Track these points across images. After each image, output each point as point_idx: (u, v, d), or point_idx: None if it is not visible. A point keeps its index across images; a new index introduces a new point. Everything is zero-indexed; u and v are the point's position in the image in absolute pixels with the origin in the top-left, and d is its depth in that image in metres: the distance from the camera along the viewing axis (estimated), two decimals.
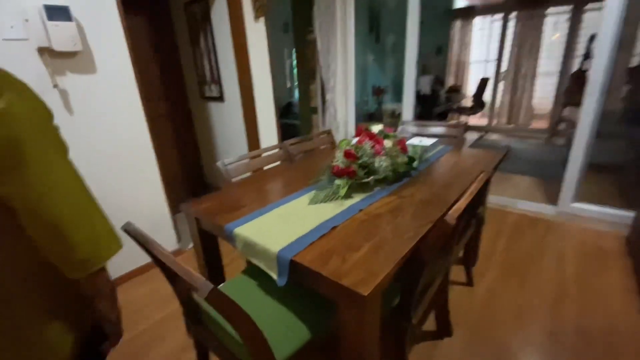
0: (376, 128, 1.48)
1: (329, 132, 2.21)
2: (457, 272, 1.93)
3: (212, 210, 1.26)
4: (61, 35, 1.56)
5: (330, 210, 1.18)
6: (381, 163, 1.31)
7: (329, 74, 3.32)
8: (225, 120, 2.99)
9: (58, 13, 1.54)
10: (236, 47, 2.53)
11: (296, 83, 4.19)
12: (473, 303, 1.73)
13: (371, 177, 1.31)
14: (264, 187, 1.46)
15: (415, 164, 1.48)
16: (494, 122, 5.70)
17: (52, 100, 1.62)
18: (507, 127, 5.59)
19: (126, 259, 2.05)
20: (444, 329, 1.51)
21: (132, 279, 2.08)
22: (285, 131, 4.98)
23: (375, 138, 1.38)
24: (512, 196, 2.83)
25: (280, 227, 1.07)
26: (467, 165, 1.63)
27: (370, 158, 1.31)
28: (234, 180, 1.57)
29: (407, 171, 1.46)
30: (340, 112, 3.64)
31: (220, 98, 2.91)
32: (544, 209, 2.63)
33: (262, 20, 2.59)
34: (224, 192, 1.43)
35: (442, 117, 5.18)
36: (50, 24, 1.52)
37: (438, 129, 2.25)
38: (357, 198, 1.27)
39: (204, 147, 3.43)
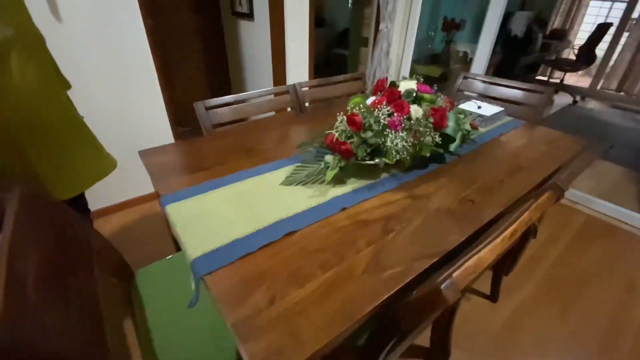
0: (407, 84, 1.01)
1: (358, 78, 1.73)
2: (481, 278, 1.55)
3: (165, 166, 1.00)
4: None
5: (304, 199, 0.85)
6: (396, 141, 0.90)
7: None
8: (254, 43, 2.57)
9: None
10: None
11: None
12: (489, 324, 1.38)
13: (377, 160, 0.92)
14: (244, 145, 1.15)
15: (453, 146, 1.03)
16: (600, 85, 4.43)
17: (38, 3, 1.37)
18: (616, 95, 4.32)
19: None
20: (438, 351, 1.22)
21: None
22: (338, 64, 4.39)
23: (398, 101, 0.94)
24: (588, 190, 2.18)
25: (223, 215, 0.78)
26: (537, 156, 1.13)
27: (379, 132, 0.90)
28: (216, 128, 1.27)
29: (438, 155, 1.03)
30: (395, 49, 2.97)
31: (249, 15, 2.46)
32: (629, 217, 2.00)
33: None
34: (194, 144, 1.15)
35: (530, 69, 4.12)
36: None
37: (512, 91, 1.64)
38: (349, 186, 0.91)
39: (234, 71, 3.11)
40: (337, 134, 0.93)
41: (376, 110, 0.92)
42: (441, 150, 0.99)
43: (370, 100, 1.01)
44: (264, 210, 0.80)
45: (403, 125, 0.91)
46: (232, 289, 0.60)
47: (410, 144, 0.92)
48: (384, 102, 0.94)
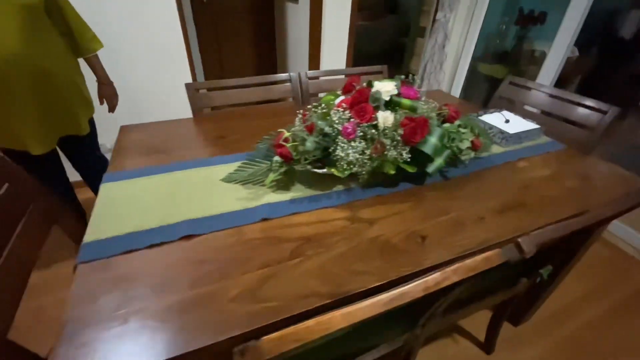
0: (385, 85, 0.85)
1: (379, 72, 1.55)
2: (478, 319, 1.31)
3: (134, 144, 1.02)
4: None
5: (232, 200, 0.79)
6: (347, 152, 0.77)
7: None
8: (296, 26, 2.51)
9: None
10: None
11: None
12: None
13: (325, 170, 0.80)
14: (217, 132, 1.12)
15: (432, 168, 0.84)
16: None
17: None
18: None
19: None
20: None
21: None
22: (401, 54, 4.09)
23: (362, 105, 0.80)
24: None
25: (142, 203, 0.76)
26: (555, 194, 0.88)
27: (330, 138, 0.78)
28: (205, 111, 1.26)
29: (416, 174, 0.86)
30: (455, 42, 2.63)
31: None
32: None
33: None
34: (174, 125, 1.15)
35: (635, 82, 3.29)
36: None
37: (565, 105, 1.31)
38: (290, 194, 0.82)
39: (280, 53, 3.10)
40: (287, 134, 0.83)
41: (334, 112, 0.80)
42: (411, 169, 0.82)
43: (338, 100, 0.88)
44: (184, 206, 0.76)
45: (358, 133, 0.78)
46: (93, 285, 0.58)
47: (367, 156, 0.78)
48: (346, 104, 0.81)
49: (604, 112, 1.20)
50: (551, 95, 1.35)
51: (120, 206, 0.75)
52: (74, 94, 1.16)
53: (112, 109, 1.37)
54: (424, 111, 0.85)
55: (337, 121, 0.78)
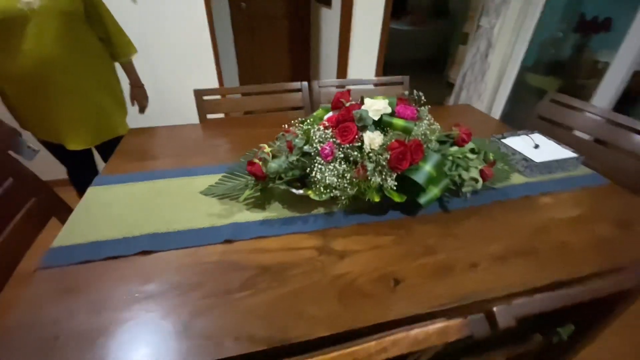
0: (376, 104, 0.76)
1: (399, 82, 1.44)
2: None
3: (133, 148, 1.05)
4: None
5: (202, 215, 0.76)
6: (324, 174, 0.70)
7: None
8: (328, 31, 2.46)
9: None
10: None
11: None
12: None
13: (302, 191, 0.74)
14: (212, 140, 1.10)
15: (424, 199, 0.74)
16: None
17: None
18: None
19: None
20: None
21: None
22: (444, 62, 3.86)
23: (347, 124, 0.72)
24: None
25: (118, 211, 0.76)
26: (577, 241, 0.73)
27: (308, 157, 0.72)
28: (209, 116, 1.26)
29: (410, 202, 0.76)
30: (502, 51, 2.39)
31: (328, 2, 2.35)
32: None
33: None
34: (177, 130, 1.16)
35: None
36: None
37: (614, 130, 1.10)
38: (263, 214, 0.77)
39: (314, 58, 3.07)
40: (268, 149, 0.79)
41: (316, 131, 0.73)
42: (398, 199, 0.73)
43: (327, 116, 0.81)
44: (153, 218, 0.74)
45: (339, 155, 0.70)
46: (42, 293, 0.57)
47: (348, 180, 0.71)
48: (328, 123, 0.74)
49: None
50: (602, 117, 1.15)
51: (96, 213, 0.76)
52: (109, 96, 1.23)
53: (142, 110, 1.43)
54: (419, 133, 0.75)
55: (317, 140, 0.72)
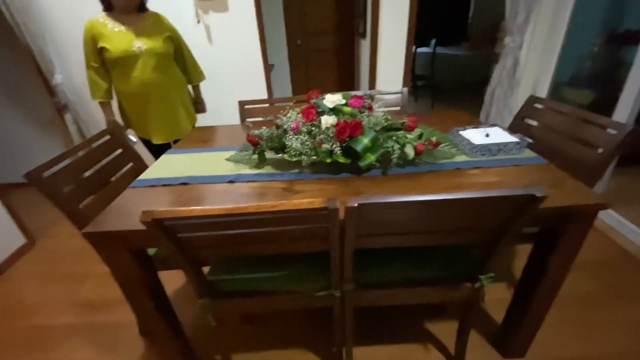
0: (333, 98, 1.12)
1: (399, 93, 1.74)
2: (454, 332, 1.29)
3: (196, 136, 1.57)
4: None
5: (224, 170, 1.19)
6: (291, 141, 1.07)
7: (518, 3, 2.24)
8: (364, 59, 2.87)
9: None
10: None
11: None
12: None
13: (280, 155, 1.12)
14: (243, 133, 1.57)
15: (363, 162, 1.05)
16: None
17: (199, 32, 2.30)
18: None
19: None
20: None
21: None
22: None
23: (309, 110, 1.09)
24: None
25: (180, 164, 1.25)
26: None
27: (282, 132, 1.10)
28: (249, 120, 1.75)
29: (352, 166, 1.08)
30: (532, 67, 2.48)
31: (363, 34, 2.78)
32: None
33: None
34: (219, 128, 1.67)
35: None
36: None
37: (576, 124, 1.23)
38: (260, 170, 1.17)
39: (357, 83, 3.49)
40: (258, 132, 1.19)
41: (290, 114, 1.12)
42: (342, 160, 1.05)
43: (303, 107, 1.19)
44: (194, 169, 1.21)
45: (303, 129, 1.07)
46: (134, 198, 1.06)
47: (308, 146, 1.07)
48: (298, 109, 1.12)
49: (615, 131, 1.11)
50: (563, 113, 1.29)
51: (161, 167, 1.26)
52: (183, 109, 1.80)
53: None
54: (364, 117, 1.08)
55: (291, 120, 1.10)
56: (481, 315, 1.43)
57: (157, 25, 1.62)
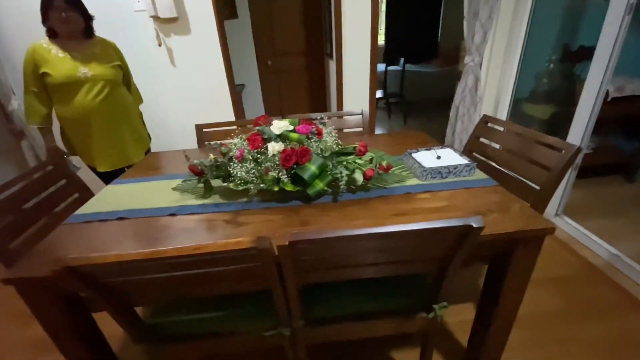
0: (280, 124, 1.09)
1: (359, 113, 1.74)
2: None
3: (148, 163, 1.50)
4: (163, 5, 2.07)
5: (167, 201, 1.12)
6: (235, 170, 1.02)
7: (475, 23, 2.32)
8: (332, 78, 2.89)
9: None
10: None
11: None
12: None
13: (225, 183, 1.07)
14: (196, 158, 1.51)
15: (312, 190, 1.01)
16: None
17: (161, 55, 2.26)
18: None
19: None
20: None
21: None
22: None
23: (254, 137, 1.06)
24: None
25: (122, 196, 1.18)
26: (423, 219, 0.92)
27: (225, 159, 1.05)
28: (206, 143, 1.69)
29: (301, 193, 1.04)
30: (494, 84, 2.55)
31: (330, 55, 2.81)
32: None
33: None
34: (176, 153, 1.61)
35: None
36: None
37: (531, 146, 1.24)
38: (206, 200, 1.11)
39: (328, 101, 3.51)
40: (211, 157, 1.15)
41: (238, 142, 1.08)
42: (290, 188, 1.01)
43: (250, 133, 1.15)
44: (136, 201, 1.13)
45: (248, 157, 1.03)
46: (63, 238, 0.98)
47: (254, 175, 1.02)
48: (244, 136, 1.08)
49: (559, 150, 1.12)
50: (515, 134, 1.30)
51: (103, 199, 1.18)
52: (129, 134, 1.70)
53: None
54: (313, 144, 1.05)
55: (236, 148, 1.06)
56: (447, 338, 1.39)
57: (105, 52, 1.58)
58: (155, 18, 2.14)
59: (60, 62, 1.45)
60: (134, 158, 1.74)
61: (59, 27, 1.44)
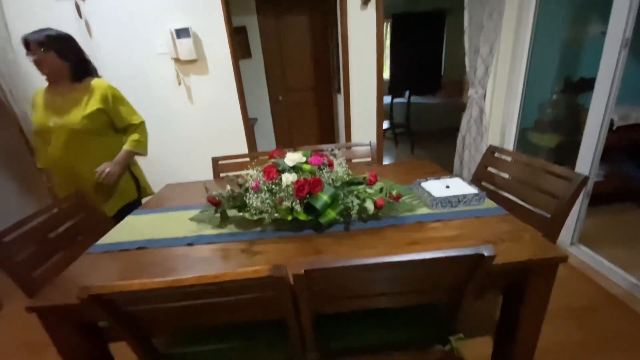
0: (294, 156, 1.14)
1: (368, 144, 1.80)
2: None
3: (164, 194, 1.56)
4: (184, 49, 2.25)
5: (184, 231, 1.16)
6: (251, 200, 1.07)
7: (476, 58, 2.43)
8: (341, 112, 3.01)
9: (182, 32, 2.22)
10: (342, 38, 2.44)
11: None
12: None
13: (242, 213, 1.11)
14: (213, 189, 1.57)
15: (324, 219, 1.04)
16: None
17: (181, 93, 2.41)
18: None
19: None
20: None
21: None
22: None
23: (269, 168, 1.11)
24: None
25: (142, 226, 1.23)
26: (434, 246, 0.93)
27: (242, 190, 1.10)
28: (222, 174, 1.76)
29: (314, 222, 1.07)
30: (498, 115, 2.62)
31: (339, 89, 2.95)
32: None
33: (371, 7, 2.30)
34: (194, 184, 1.68)
35: None
36: (178, 41, 2.22)
37: (539, 175, 1.27)
38: (222, 230, 1.15)
39: (337, 134, 3.62)
40: (229, 187, 1.20)
41: (254, 173, 1.14)
42: (303, 218, 1.04)
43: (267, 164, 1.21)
44: (153, 230, 1.18)
45: (263, 187, 1.08)
46: (88, 264, 1.01)
47: (269, 205, 1.06)
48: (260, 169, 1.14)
49: (568, 179, 1.14)
50: (522, 164, 1.33)
51: (122, 230, 1.23)
52: (100, 188, 1.53)
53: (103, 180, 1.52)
54: (325, 175, 1.10)
55: (252, 179, 1.11)
56: None
57: (87, 97, 1.46)
58: (176, 60, 2.31)
59: (39, 109, 1.47)
60: (108, 212, 1.56)
61: (39, 70, 1.39)
